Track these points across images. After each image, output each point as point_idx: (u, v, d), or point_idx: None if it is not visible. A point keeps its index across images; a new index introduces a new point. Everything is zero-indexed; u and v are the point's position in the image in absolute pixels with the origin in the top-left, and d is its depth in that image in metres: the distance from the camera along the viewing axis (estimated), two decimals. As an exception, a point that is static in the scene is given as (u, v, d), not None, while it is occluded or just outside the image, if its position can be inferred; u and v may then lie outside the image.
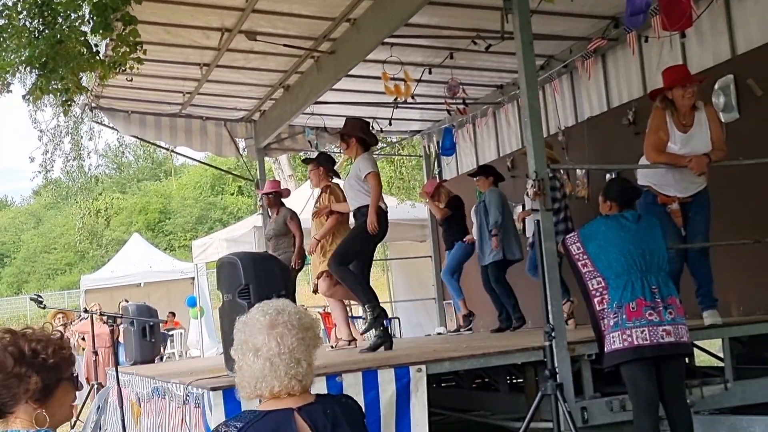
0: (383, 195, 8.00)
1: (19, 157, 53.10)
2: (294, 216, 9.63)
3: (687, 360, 6.29)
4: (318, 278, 8.84)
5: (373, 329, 7.58)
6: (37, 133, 21.73)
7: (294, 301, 7.22)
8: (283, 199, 9.94)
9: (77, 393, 2.84)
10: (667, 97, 6.56)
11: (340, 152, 11.90)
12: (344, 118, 11.46)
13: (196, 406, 5.55)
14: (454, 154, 12.51)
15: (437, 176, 12.66)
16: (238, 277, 5.86)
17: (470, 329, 10.24)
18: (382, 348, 7.44)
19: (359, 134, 7.93)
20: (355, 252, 7.71)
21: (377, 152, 14.42)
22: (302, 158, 11.71)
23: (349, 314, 14.22)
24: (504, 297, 9.40)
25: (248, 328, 2.74)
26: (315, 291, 9.14)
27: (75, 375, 2.80)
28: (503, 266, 9.39)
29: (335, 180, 9.19)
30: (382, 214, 7.69)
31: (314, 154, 13.04)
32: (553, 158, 8.54)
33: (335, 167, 9.42)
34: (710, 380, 6.36)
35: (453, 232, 10.29)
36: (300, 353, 2.72)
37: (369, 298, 7.59)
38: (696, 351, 7.20)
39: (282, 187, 10.40)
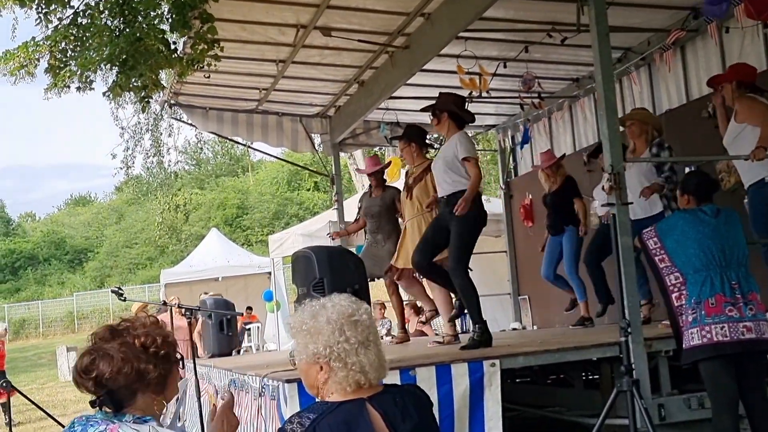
0: None
1: (102, 155, 54.45)
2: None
3: (768, 357, 6.14)
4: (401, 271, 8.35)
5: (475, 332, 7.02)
6: (118, 130, 22.24)
7: (367, 294, 7.21)
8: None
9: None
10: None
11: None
12: (418, 113, 11.46)
13: (272, 398, 5.62)
14: (527, 147, 12.42)
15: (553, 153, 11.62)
16: (312, 270, 5.93)
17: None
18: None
19: (452, 108, 7.32)
20: (470, 249, 7.18)
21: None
22: (390, 137, 11.16)
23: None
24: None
25: (347, 322, 2.79)
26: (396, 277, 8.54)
27: (181, 356, 2.89)
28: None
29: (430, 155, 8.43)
30: (479, 200, 7.11)
31: (388, 150, 12.84)
32: (659, 127, 8.00)
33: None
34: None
35: (564, 214, 9.45)
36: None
37: (480, 317, 6.98)
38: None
39: (383, 163, 9.66)
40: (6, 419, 14.69)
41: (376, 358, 2.77)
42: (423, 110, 7.69)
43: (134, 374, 2.66)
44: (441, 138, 8.33)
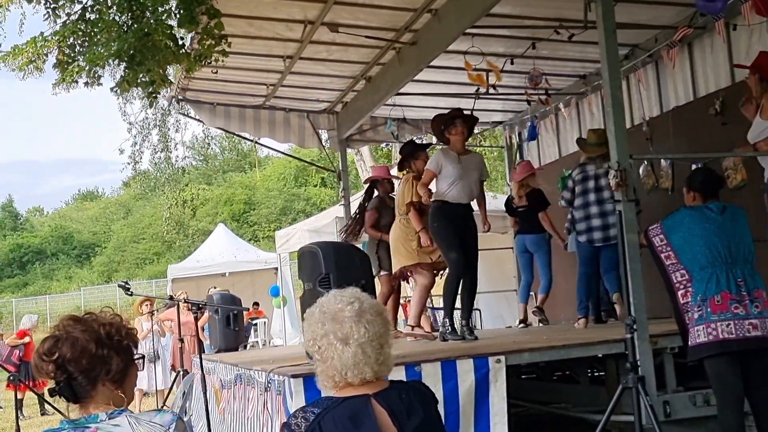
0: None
1: (109, 150, 54.48)
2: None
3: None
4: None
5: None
6: (125, 125, 22.29)
7: (373, 290, 7.27)
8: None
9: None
10: None
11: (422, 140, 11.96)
12: (425, 109, 11.52)
13: (278, 393, 5.64)
14: (534, 143, 12.43)
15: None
16: (318, 266, 5.94)
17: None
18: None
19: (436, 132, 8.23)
20: (443, 248, 7.87)
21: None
22: (396, 134, 11.73)
23: (430, 305, 14.29)
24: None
25: (329, 319, 2.76)
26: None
27: (141, 356, 2.82)
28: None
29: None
30: (436, 205, 7.81)
31: (395, 146, 13.02)
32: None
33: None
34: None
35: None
36: (383, 339, 2.78)
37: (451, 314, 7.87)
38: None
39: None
40: (26, 413, 14.87)
41: (352, 359, 2.71)
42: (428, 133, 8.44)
43: (97, 359, 2.61)
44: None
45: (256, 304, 20.47)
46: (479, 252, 8.02)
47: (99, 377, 2.63)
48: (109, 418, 2.60)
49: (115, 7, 6.49)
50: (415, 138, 12.72)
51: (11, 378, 6.70)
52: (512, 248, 13.12)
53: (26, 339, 15.62)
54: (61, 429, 2.60)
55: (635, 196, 5.82)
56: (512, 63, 9.36)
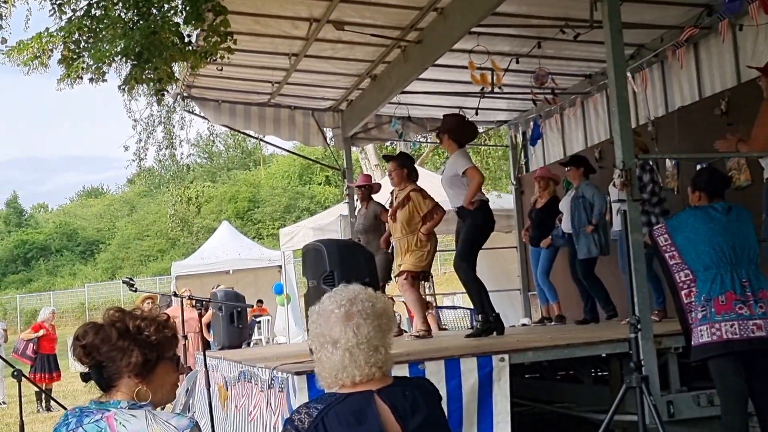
0: None
1: (115, 147, 54.46)
2: (385, 210, 9.67)
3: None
4: (397, 276, 8.87)
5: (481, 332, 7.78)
6: (131, 122, 22.27)
7: (377, 287, 7.29)
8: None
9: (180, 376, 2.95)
10: None
11: (426, 142, 11.94)
12: (430, 108, 11.53)
13: (281, 390, 5.65)
14: (538, 143, 12.42)
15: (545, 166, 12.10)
16: (323, 263, 5.95)
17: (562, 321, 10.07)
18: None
19: (452, 129, 8.25)
20: (473, 250, 8.07)
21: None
22: (383, 155, 11.85)
23: (434, 305, 14.30)
24: (595, 290, 9.24)
25: (323, 320, 2.78)
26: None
27: (176, 356, 2.91)
28: (593, 261, 9.21)
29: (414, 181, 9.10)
30: (484, 205, 7.95)
31: (399, 144, 13.19)
32: (643, 147, 8.35)
33: (416, 163, 9.58)
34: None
35: (545, 228, 10.03)
36: (377, 340, 2.75)
37: (482, 309, 7.93)
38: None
39: (373, 182, 10.51)
40: (37, 408, 14.91)
41: (340, 362, 2.71)
42: (431, 131, 8.57)
43: (116, 350, 2.74)
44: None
45: (260, 301, 20.47)
46: (483, 251, 8.25)
47: (121, 368, 2.75)
48: (129, 408, 2.72)
49: (120, 4, 6.48)
50: (419, 137, 12.81)
51: (14, 373, 6.68)
52: (516, 247, 13.15)
53: (41, 332, 15.72)
54: (89, 408, 2.74)
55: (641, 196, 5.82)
56: (518, 62, 9.35)
